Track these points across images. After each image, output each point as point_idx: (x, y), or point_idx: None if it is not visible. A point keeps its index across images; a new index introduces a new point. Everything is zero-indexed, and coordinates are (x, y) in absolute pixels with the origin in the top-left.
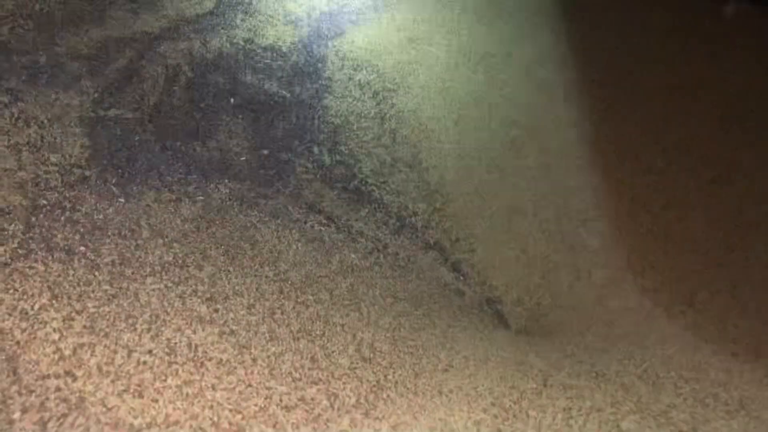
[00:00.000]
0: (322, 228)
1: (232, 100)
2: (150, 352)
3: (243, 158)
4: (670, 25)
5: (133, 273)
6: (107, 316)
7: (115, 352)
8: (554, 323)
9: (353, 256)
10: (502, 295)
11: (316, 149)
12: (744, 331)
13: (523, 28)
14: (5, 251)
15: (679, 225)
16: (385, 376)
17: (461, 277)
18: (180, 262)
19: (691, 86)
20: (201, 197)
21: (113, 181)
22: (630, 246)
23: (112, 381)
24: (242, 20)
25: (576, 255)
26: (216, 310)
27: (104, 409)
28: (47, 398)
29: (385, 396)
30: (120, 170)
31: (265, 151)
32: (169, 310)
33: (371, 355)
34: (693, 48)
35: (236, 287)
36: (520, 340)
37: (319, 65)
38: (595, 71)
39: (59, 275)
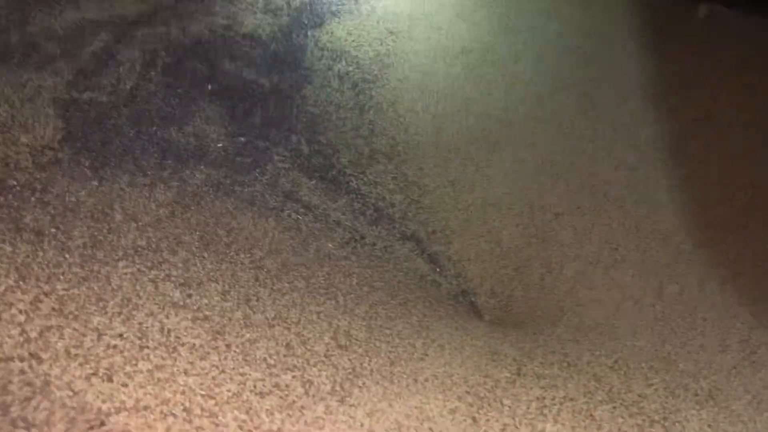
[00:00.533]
0: (299, 217)
1: (209, 86)
2: (121, 335)
3: (219, 145)
4: (644, 24)
5: (104, 256)
6: (77, 299)
7: (84, 335)
8: (526, 314)
9: (330, 245)
10: (477, 287)
11: (294, 138)
12: (712, 323)
13: (500, 25)
14: None
15: (650, 220)
16: (361, 364)
17: (437, 269)
18: (153, 246)
19: (664, 85)
20: (176, 183)
21: (86, 164)
22: (601, 240)
23: (80, 364)
24: (221, 7)
25: (548, 248)
26: (189, 296)
27: (70, 393)
28: (10, 381)
29: (360, 383)
30: (94, 153)
31: (243, 139)
32: (141, 294)
33: (347, 342)
34: (667, 48)
35: (211, 273)
36: (494, 330)
37: (299, 55)
38: (571, 69)
39: (27, 256)
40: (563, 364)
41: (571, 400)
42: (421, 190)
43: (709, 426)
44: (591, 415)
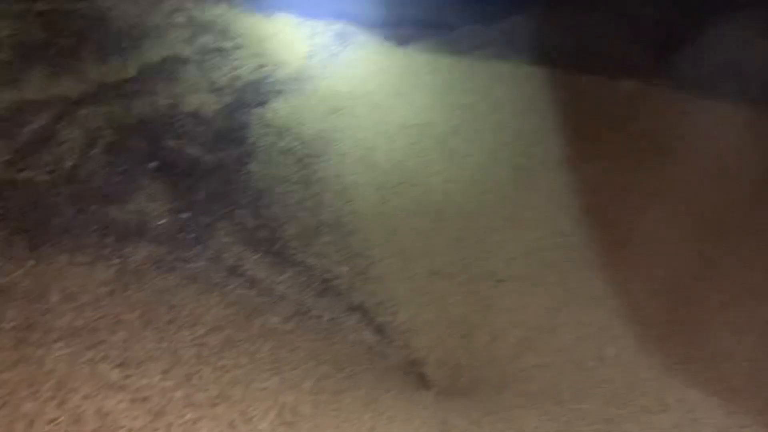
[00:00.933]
0: (243, 291)
1: (152, 164)
2: (53, 421)
3: (162, 221)
4: (571, 101)
5: (39, 338)
6: (7, 384)
7: (15, 421)
8: (474, 383)
9: (275, 319)
10: (424, 357)
11: (238, 213)
12: (652, 384)
13: (438, 102)
14: None
15: (587, 284)
16: None
17: (385, 340)
18: (91, 326)
19: (592, 157)
20: (117, 260)
21: (22, 243)
22: (541, 306)
23: None
24: (165, 87)
25: (492, 315)
26: (128, 376)
27: None
28: None
29: None
30: (31, 232)
31: (185, 215)
32: (76, 376)
33: (293, 419)
34: (592, 123)
35: (151, 352)
36: (442, 400)
37: (243, 132)
38: (505, 143)
39: None
40: None
41: None
42: (367, 261)
43: None
44: None
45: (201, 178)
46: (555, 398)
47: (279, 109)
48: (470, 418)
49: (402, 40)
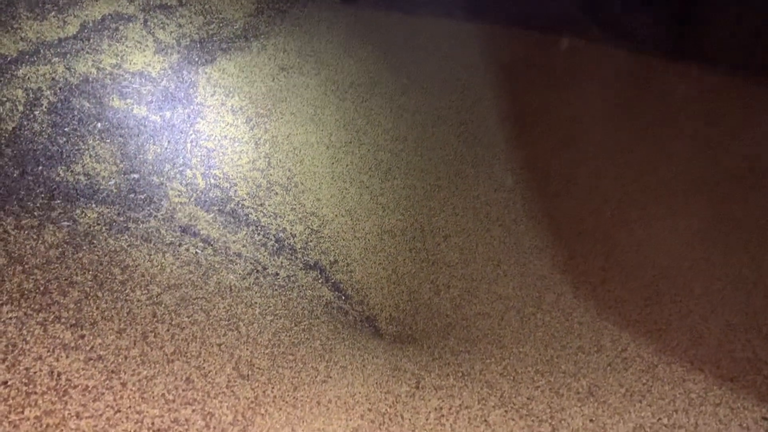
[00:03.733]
0: (198, 251)
1: (98, 124)
2: (5, 383)
3: (111, 182)
4: (513, 58)
5: None
6: None
7: None
8: (422, 332)
9: (231, 277)
10: (378, 313)
11: (189, 173)
12: (587, 327)
13: (386, 61)
14: None
15: (529, 235)
16: (264, 392)
17: (342, 296)
18: (42, 288)
19: (533, 112)
20: (66, 222)
21: None
22: (485, 258)
23: None
24: (109, 45)
25: (438, 269)
26: (82, 336)
27: None
28: None
29: (263, 411)
30: None
31: (135, 175)
32: (28, 338)
33: (249, 372)
34: (533, 78)
35: (105, 312)
36: (393, 348)
37: (191, 91)
38: (451, 100)
39: None
40: (458, 374)
41: (467, 407)
42: (320, 220)
43: (591, 421)
44: (486, 420)
45: (149, 138)
46: (497, 343)
47: (227, 68)
48: (419, 364)
49: None
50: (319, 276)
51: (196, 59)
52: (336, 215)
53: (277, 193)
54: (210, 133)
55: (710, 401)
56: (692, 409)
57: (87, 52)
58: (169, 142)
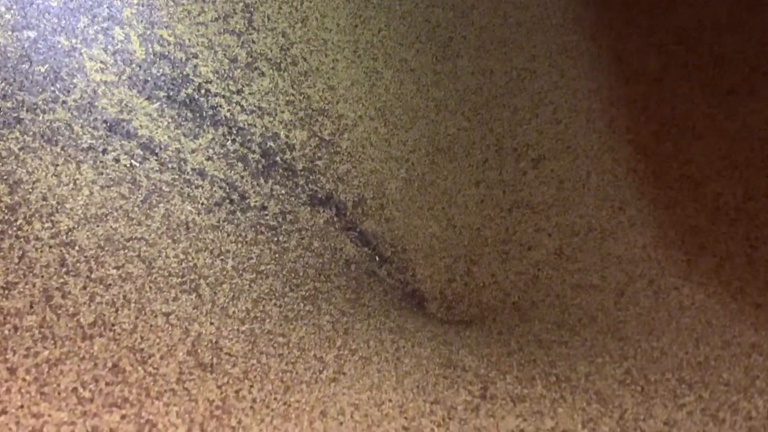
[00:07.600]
0: (135, 162)
1: None
2: None
3: None
4: None
5: None
6: None
7: None
8: (491, 310)
9: (188, 207)
10: (424, 282)
11: (118, 32)
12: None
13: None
14: None
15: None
16: (237, 392)
17: (372, 255)
18: None
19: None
20: None
21: None
22: (599, 195)
23: None
24: None
25: (520, 216)
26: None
27: None
28: None
29: (233, 423)
30: None
31: (31, 33)
32: None
33: (214, 359)
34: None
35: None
36: (447, 333)
37: None
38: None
39: None
40: (549, 380)
41: None
42: (335, 125)
43: None
44: None
45: None
46: (614, 332)
47: None
48: (487, 359)
49: None
50: (335, 218)
51: None
52: (361, 116)
53: (263, 74)
54: None
55: None
56: None
57: None
58: None
